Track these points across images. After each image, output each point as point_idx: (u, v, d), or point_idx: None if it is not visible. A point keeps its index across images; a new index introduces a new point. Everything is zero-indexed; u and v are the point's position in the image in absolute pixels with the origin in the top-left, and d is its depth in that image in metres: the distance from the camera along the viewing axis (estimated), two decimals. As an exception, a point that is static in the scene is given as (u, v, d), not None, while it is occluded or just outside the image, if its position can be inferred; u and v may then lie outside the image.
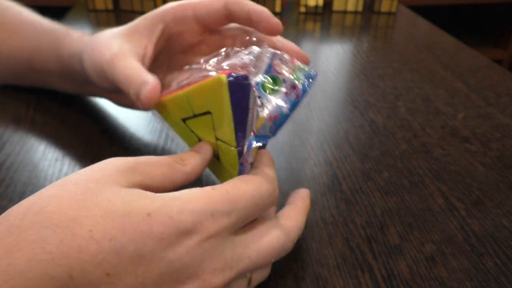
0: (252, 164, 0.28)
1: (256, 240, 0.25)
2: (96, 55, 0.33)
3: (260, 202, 0.24)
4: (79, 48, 0.37)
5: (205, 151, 0.28)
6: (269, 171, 0.27)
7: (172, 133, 0.44)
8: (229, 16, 0.33)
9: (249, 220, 0.25)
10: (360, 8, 0.91)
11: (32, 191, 0.35)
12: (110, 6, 0.86)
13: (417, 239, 0.33)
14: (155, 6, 0.84)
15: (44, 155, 0.40)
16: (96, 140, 0.42)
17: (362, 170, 0.40)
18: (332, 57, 0.67)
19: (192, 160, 0.27)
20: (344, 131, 0.46)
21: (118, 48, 0.32)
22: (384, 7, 0.91)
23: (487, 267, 0.30)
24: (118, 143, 0.42)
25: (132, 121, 0.46)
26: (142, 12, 0.85)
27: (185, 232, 0.21)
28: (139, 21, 0.34)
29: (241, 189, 0.24)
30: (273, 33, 0.32)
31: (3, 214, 0.21)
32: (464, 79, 0.60)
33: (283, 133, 0.45)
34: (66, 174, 0.37)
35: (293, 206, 0.29)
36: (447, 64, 0.65)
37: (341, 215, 0.35)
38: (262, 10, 0.32)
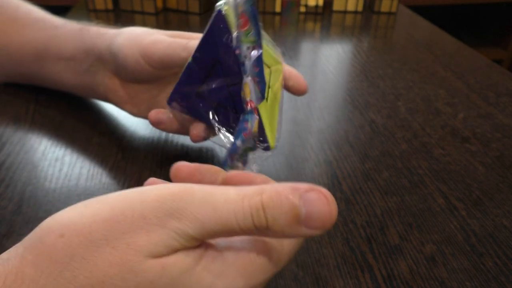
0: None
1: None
2: (138, 39, 0.37)
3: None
4: (109, 34, 0.40)
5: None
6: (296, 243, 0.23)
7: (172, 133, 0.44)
8: None
9: None
10: (360, 8, 0.91)
11: (32, 191, 0.35)
12: (110, 6, 0.86)
13: (417, 239, 0.33)
14: (155, 6, 0.84)
15: (44, 155, 0.40)
16: (96, 140, 0.42)
17: (362, 170, 0.40)
18: (332, 57, 0.67)
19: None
20: (344, 131, 0.46)
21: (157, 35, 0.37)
22: (384, 7, 0.91)
23: (487, 267, 0.30)
24: (118, 143, 0.42)
25: (132, 121, 0.46)
26: (142, 12, 0.85)
27: None
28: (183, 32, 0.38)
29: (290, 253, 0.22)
30: (300, 93, 0.36)
31: (21, 254, 0.19)
32: (464, 79, 0.60)
33: (283, 133, 0.45)
34: (66, 174, 0.37)
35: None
36: (447, 64, 0.65)
37: (341, 215, 0.35)
38: (292, 71, 0.36)
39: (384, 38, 0.80)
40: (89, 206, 0.19)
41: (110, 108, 0.48)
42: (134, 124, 0.45)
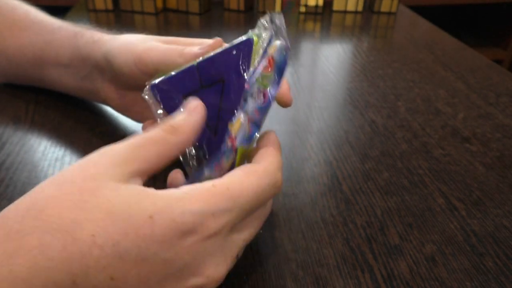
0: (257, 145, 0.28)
1: (249, 221, 0.25)
2: (133, 48, 0.36)
3: (262, 195, 0.24)
4: (103, 40, 0.39)
5: (196, 109, 0.26)
6: (274, 159, 0.26)
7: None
8: None
9: (251, 213, 0.25)
10: (360, 8, 0.91)
11: (32, 191, 0.35)
12: (110, 6, 0.86)
13: (417, 239, 0.33)
14: (155, 6, 0.84)
15: (44, 155, 0.40)
16: (96, 140, 0.42)
17: (362, 170, 0.40)
18: (332, 57, 0.67)
19: (184, 127, 0.25)
20: (344, 131, 0.46)
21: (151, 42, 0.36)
22: (384, 7, 0.91)
23: (488, 267, 0.30)
24: (118, 143, 0.42)
25: (132, 121, 0.46)
26: (142, 12, 0.85)
27: (186, 232, 0.21)
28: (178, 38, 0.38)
29: (243, 184, 0.23)
30: (283, 106, 0.34)
31: (0, 216, 0.21)
32: (464, 79, 0.60)
33: (283, 133, 0.45)
34: (66, 174, 0.37)
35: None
36: (447, 64, 0.65)
37: (341, 215, 0.35)
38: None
39: (384, 38, 0.80)
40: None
41: (110, 108, 0.48)
42: (134, 124, 0.45)
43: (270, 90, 0.27)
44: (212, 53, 0.29)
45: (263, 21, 0.29)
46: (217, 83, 0.29)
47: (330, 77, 0.59)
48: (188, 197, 0.22)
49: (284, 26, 0.29)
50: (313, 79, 0.59)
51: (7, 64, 0.48)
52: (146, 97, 0.31)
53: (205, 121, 0.27)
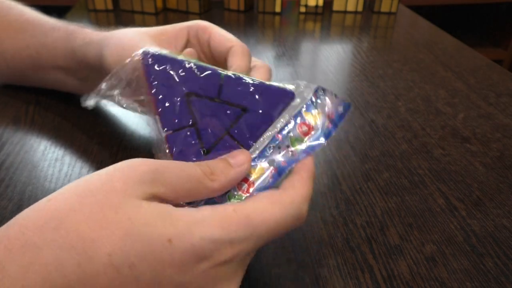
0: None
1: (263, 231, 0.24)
2: (125, 54, 0.33)
3: (283, 227, 0.23)
4: (97, 41, 0.38)
5: (243, 166, 0.25)
6: (303, 190, 0.24)
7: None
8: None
9: (268, 242, 0.24)
10: (360, 8, 0.91)
11: (32, 191, 0.35)
12: (110, 6, 0.86)
13: (417, 239, 0.33)
14: (155, 6, 0.84)
15: (44, 155, 0.40)
16: (96, 140, 0.42)
17: (362, 170, 0.40)
18: (332, 57, 0.67)
19: (222, 177, 0.24)
20: (344, 131, 0.46)
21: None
22: (384, 7, 0.91)
23: (488, 267, 0.30)
24: (118, 143, 0.42)
25: (132, 120, 0.46)
26: (142, 12, 0.85)
27: (203, 258, 0.21)
28: (167, 27, 0.36)
29: (265, 213, 0.22)
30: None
31: (17, 223, 0.20)
32: (464, 79, 0.60)
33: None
34: (66, 174, 0.37)
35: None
36: (447, 64, 0.65)
37: (341, 215, 0.35)
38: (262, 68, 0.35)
39: (384, 38, 0.80)
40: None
41: (110, 108, 0.48)
42: (134, 124, 0.45)
43: (299, 153, 0.26)
44: (246, 77, 0.26)
45: (303, 84, 0.28)
46: (237, 107, 0.26)
47: (330, 77, 0.59)
48: (208, 222, 0.21)
49: (329, 107, 0.28)
50: (313, 79, 0.59)
51: (6, 68, 0.48)
52: (135, 61, 0.26)
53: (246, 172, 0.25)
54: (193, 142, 0.26)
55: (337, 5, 0.91)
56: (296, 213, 0.23)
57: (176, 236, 0.20)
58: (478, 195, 0.38)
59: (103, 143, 0.42)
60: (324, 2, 0.88)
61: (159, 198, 0.22)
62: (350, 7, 0.91)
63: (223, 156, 0.25)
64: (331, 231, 0.33)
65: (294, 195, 0.24)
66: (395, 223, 0.34)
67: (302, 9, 0.89)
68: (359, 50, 0.70)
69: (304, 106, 0.27)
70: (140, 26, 0.38)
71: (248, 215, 0.22)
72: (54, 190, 0.21)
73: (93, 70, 0.39)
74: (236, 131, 0.26)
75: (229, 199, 0.25)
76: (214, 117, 0.26)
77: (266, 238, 0.23)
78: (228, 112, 0.26)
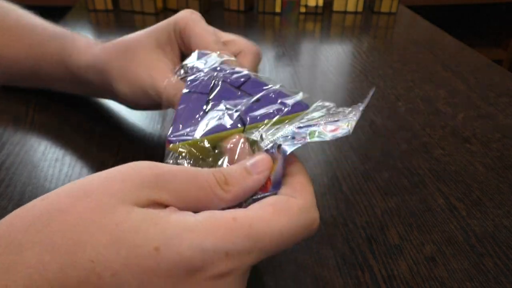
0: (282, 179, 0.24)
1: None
2: (133, 77, 0.34)
3: (291, 238, 0.21)
4: (92, 59, 0.38)
5: (261, 174, 0.23)
6: (310, 195, 0.22)
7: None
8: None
9: (274, 255, 0.21)
10: (360, 8, 0.91)
11: (32, 191, 0.35)
12: (110, 6, 0.86)
13: (417, 240, 0.33)
14: (155, 6, 0.84)
15: (44, 155, 0.40)
16: (96, 140, 0.42)
17: (362, 170, 0.40)
18: (332, 57, 0.67)
19: (236, 187, 0.22)
20: (344, 131, 0.46)
21: (158, 68, 0.34)
22: (384, 7, 0.91)
23: (488, 267, 0.30)
24: (118, 143, 0.42)
25: (133, 121, 0.46)
26: (142, 13, 0.85)
27: (193, 270, 0.19)
28: (162, 31, 0.36)
29: (270, 223, 0.20)
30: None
31: (6, 221, 0.19)
32: (464, 79, 0.60)
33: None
34: (66, 174, 0.37)
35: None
36: (447, 64, 0.65)
37: (341, 215, 0.35)
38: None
39: (384, 38, 0.80)
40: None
41: (110, 108, 0.48)
42: (134, 124, 0.45)
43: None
44: (271, 85, 0.29)
45: (329, 105, 0.28)
46: (252, 97, 0.28)
47: (330, 77, 0.59)
48: (201, 229, 0.19)
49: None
50: (313, 80, 0.59)
51: (6, 74, 0.48)
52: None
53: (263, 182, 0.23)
54: (199, 105, 0.28)
55: (337, 5, 0.91)
56: (307, 221, 0.22)
57: (164, 243, 0.19)
58: (478, 195, 0.38)
59: (103, 144, 0.42)
60: (324, 2, 0.88)
61: (162, 205, 0.21)
62: (350, 7, 0.91)
63: (241, 162, 0.23)
64: (331, 231, 0.33)
65: (302, 202, 0.22)
66: (395, 223, 0.34)
67: (302, 9, 0.89)
68: (359, 50, 0.70)
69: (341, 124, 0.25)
70: (140, 27, 0.38)
71: (250, 224, 0.20)
72: (54, 190, 0.21)
73: (94, 87, 0.40)
74: (244, 108, 0.28)
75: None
76: (229, 97, 0.28)
77: (271, 251, 0.21)
78: (242, 97, 0.29)
